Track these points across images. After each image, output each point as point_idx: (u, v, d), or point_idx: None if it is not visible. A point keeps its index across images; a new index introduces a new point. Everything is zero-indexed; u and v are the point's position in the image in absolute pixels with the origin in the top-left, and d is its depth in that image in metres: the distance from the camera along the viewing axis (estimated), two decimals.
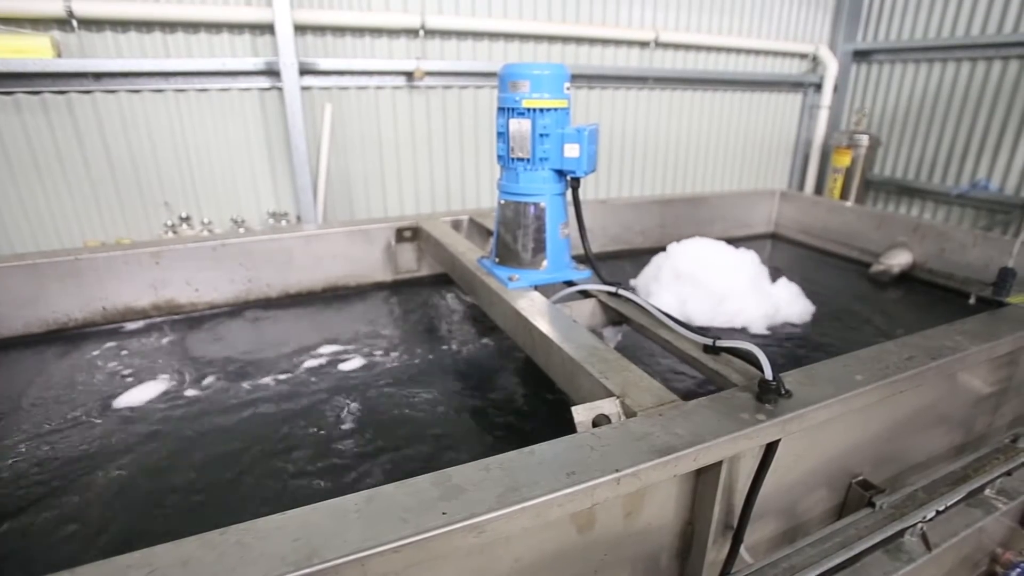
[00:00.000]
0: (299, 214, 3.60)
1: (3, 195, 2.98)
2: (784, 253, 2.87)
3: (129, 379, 1.55)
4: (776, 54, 4.93)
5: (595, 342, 1.18)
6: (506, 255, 1.62)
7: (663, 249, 2.17)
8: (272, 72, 3.28)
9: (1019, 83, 4.09)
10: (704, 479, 0.93)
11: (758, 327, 1.88)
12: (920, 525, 1.11)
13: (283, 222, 3.61)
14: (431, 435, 1.32)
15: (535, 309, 1.38)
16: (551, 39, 4.01)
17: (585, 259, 1.62)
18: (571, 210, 1.61)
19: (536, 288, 1.54)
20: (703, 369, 1.14)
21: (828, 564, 0.98)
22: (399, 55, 3.60)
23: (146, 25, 3.02)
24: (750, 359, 1.04)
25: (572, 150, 1.47)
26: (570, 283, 1.59)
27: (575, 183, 1.54)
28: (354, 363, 1.65)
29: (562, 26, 3.96)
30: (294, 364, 1.64)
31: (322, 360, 1.66)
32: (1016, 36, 4.03)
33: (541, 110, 1.46)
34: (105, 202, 3.21)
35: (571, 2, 3.98)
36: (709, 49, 4.61)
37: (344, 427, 1.35)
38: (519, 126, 1.48)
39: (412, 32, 3.57)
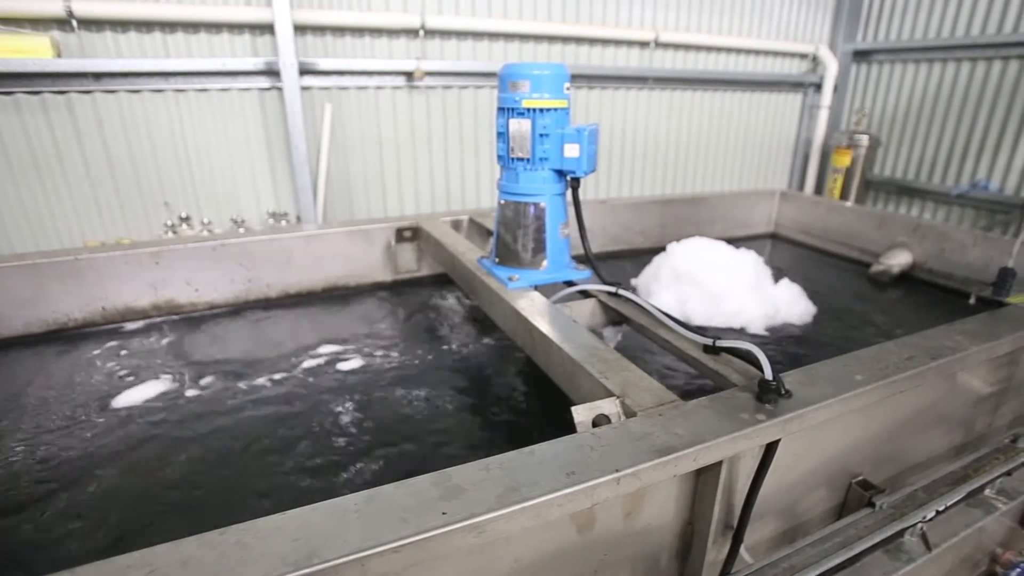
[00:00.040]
0: (299, 214, 3.60)
1: (3, 195, 2.98)
2: (784, 253, 2.87)
3: (129, 379, 1.55)
4: (776, 54, 4.93)
5: (595, 342, 1.18)
6: (506, 255, 1.62)
7: (663, 249, 2.17)
8: (272, 72, 3.28)
9: (1019, 83, 4.09)
10: (704, 479, 0.93)
11: (757, 327, 1.88)
12: (920, 525, 1.11)
13: (283, 222, 3.61)
14: (431, 435, 1.32)
15: (535, 309, 1.38)
16: (551, 39, 4.01)
17: (585, 259, 1.62)
18: (571, 210, 1.61)
19: (536, 288, 1.54)
20: (703, 369, 1.14)
21: (828, 564, 0.98)
22: (399, 55, 3.60)
23: (146, 25, 3.02)
24: (750, 359, 1.04)
25: (572, 150, 1.47)
26: (570, 283, 1.59)
27: (575, 183, 1.54)
28: (354, 363, 1.65)
29: (562, 26, 3.96)
30: (293, 364, 1.64)
31: (322, 360, 1.66)
32: (1016, 36, 4.03)
33: (541, 110, 1.46)
34: (105, 202, 3.20)
35: (571, 2, 3.98)
36: (709, 49, 4.61)
37: (343, 427, 1.35)
38: (519, 126, 1.48)
39: (412, 32, 3.57)
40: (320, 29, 3.37)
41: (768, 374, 0.96)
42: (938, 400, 1.28)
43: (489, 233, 1.90)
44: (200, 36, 3.15)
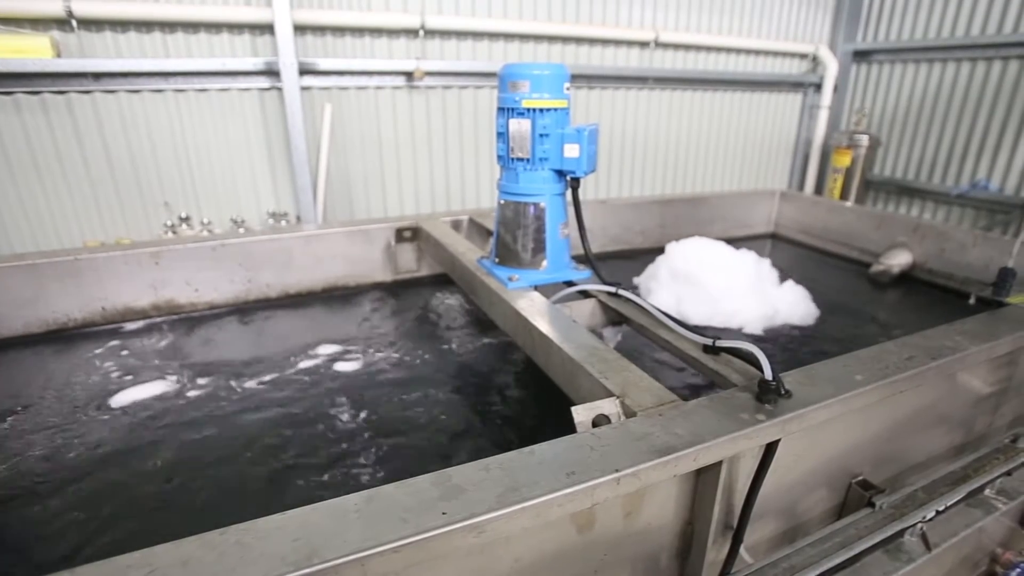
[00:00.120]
0: (299, 214, 3.60)
1: (3, 195, 2.98)
2: (784, 253, 2.87)
3: (128, 378, 1.55)
4: (776, 54, 4.93)
5: (595, 342, 1.18)
6: (506, 255, 1.62)
7: (663, 249, 2.17)
8: (272, 72, 3.28)
9: (1019, 83, 4.09)
10: (704, 479, 0.93)
11: (755, 328, 1.88)
12: (920, 525, 1.11)
13: (283, 222, 3.61)
14: (431, 435, 1.32)
15: (535, 309, 1.38)
16: (551, 39, 4.01)
17: (585, 259, 1.62)
18: (571, 210, 1.61)
19: (536, 288, 1.54)
20: (703, 369, 1.14)
21: (828, 564, 0.98)
22: (399, 55, 3.60)
23: (146, 25, 3.02)
24: (750, 359, 1.04)
25: (572, 150, 1.47)
26: (570, 283, 1.59)
27: (575, 183, 1.54)
28: (353, 363, 1.65)
29: (562, 26, 3.96)
30: (293, 364, 1.64)
31: (321, 360, 1.66)
32: (1016, 36, 4.03)
33: (541, 110, 1.46)
34: (105, 202, 3.20)
35: (571, 2, 3.98)
36: (709, 49, 4.61)
37: (343, 427, 1.35)
38: (519, 126, 1.48)
39: (412, 32, 3.57)
40: (320, 29, 3.37)
41: (768, 374, 0.96)
42: (938, 400, 1.28)
43: (489, 233, 1.90)
44: (200, 36, 3.15)
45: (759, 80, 4.89)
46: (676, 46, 4.45)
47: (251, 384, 1.53)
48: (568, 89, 1.49)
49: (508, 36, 3.87)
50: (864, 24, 5.00)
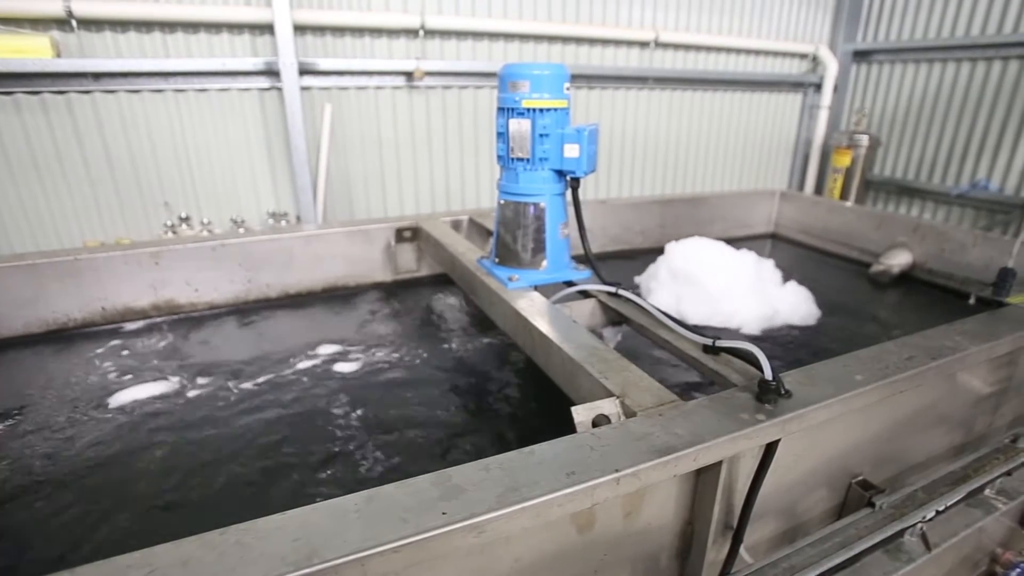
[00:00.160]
0: (299, 214, 3.60)
1: (3, 195, 2.98)
2: (784, 253, 2.86)
3: (128, 378, 1.55)
4: (776, 54, 4.93)
5: (595, 342, 1.18)
6: (506, 255, 1.62)
7: (663, 250, 2.17)
8: (272, 72, 3.28)
9: (1019, 83, 4.09)
10: (704, 479, 0.93)
11: (753, 328, 1.88)
12: (920, 525, 1.11)
13: (283, 222, 3.61)
14: (431, 435, 1.32)
15: (535, 309, 1.38)
16: (551, 39, 4.01)
17: (585, 259, 1.62)
18: (571, 210, 1.61)
19: (536, 288, 1.54)
20: (703, 369, 1.14)
21: (828, 564, 0.98)
22: (399, 55, 3.60)
23: (145, 25, 3.02)
24: (750, 359, 1.04)
25: (572, 150, 1.47)
26: (570, 283, 1.59)
27: (575, 183, 1.54)
28: (353, 363, 1.65)
29: (562, 26, 3.96)
30: (293, 364, 1.64)
31: (321, 360, 1.66)
32: (1016, 36, 4.03)
33: (541, 110, 1.46)
34: (105, 202, 3.20)
35: (571, 2, 3.98)
36: (709, 49, 4.61)
37: (343, 426, 1.35)
38: (519, 126, 1.48)
39: (412, 32, 3.57)
40: (320, 29, 3.37)
41: (768, 374, 0.96)
42: (938, 400, 1.28)
43: (489, 233, 1.90)
44: (200, 36, 3.14)
45: (759, 80, 4.89)
46: (676, 46, 4.45)
47: (251, 384, 1.53)
48: (568, 89, 1.49)
49: (508, 36, 3.87)
50: (864, 24, 5.00)
